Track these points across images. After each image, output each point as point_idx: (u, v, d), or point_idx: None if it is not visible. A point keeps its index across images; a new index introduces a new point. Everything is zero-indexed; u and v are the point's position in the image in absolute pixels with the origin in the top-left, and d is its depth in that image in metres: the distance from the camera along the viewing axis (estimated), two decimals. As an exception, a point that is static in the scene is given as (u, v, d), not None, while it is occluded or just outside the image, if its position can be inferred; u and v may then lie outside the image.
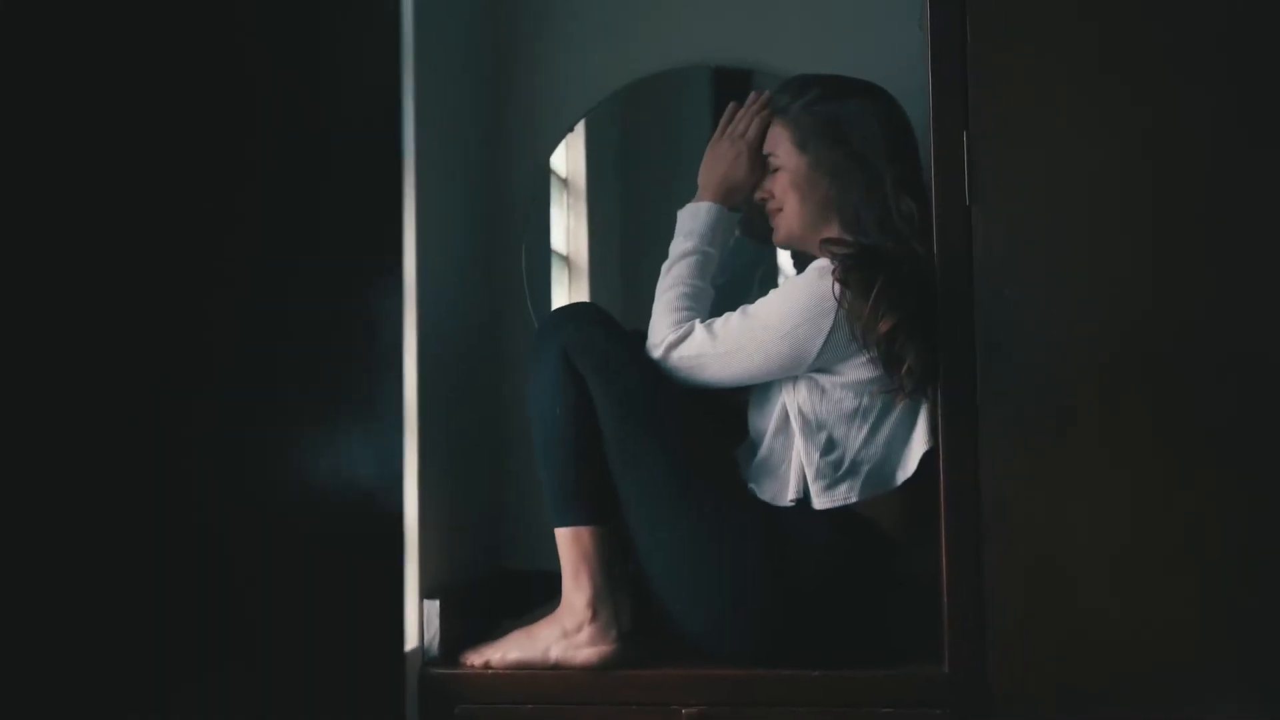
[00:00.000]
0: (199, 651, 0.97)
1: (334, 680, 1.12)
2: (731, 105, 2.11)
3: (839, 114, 1.99)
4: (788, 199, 2.02)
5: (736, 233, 2.21)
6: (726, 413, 2.07)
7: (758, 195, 2.07)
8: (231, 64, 1.04)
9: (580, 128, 2.55)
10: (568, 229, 2.58)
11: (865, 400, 1.91)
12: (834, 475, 1.90)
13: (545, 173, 2.51)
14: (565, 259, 2.57)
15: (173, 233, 0.96)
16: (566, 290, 2.57)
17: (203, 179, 0.99)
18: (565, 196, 2.60)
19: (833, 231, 1.96)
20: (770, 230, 2.08)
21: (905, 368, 1.84)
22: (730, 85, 2.43)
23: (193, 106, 0.98)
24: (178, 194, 0.97)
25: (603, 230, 2.58)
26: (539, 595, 2.14)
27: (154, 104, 0.95)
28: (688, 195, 2.11)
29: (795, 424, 1.92)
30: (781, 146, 2.03)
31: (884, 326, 1.83)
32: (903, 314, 1.82)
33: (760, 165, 2.06)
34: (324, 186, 1.13)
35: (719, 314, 1.98)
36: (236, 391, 1.01)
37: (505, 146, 2.50)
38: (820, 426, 1.91)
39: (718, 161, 2.07)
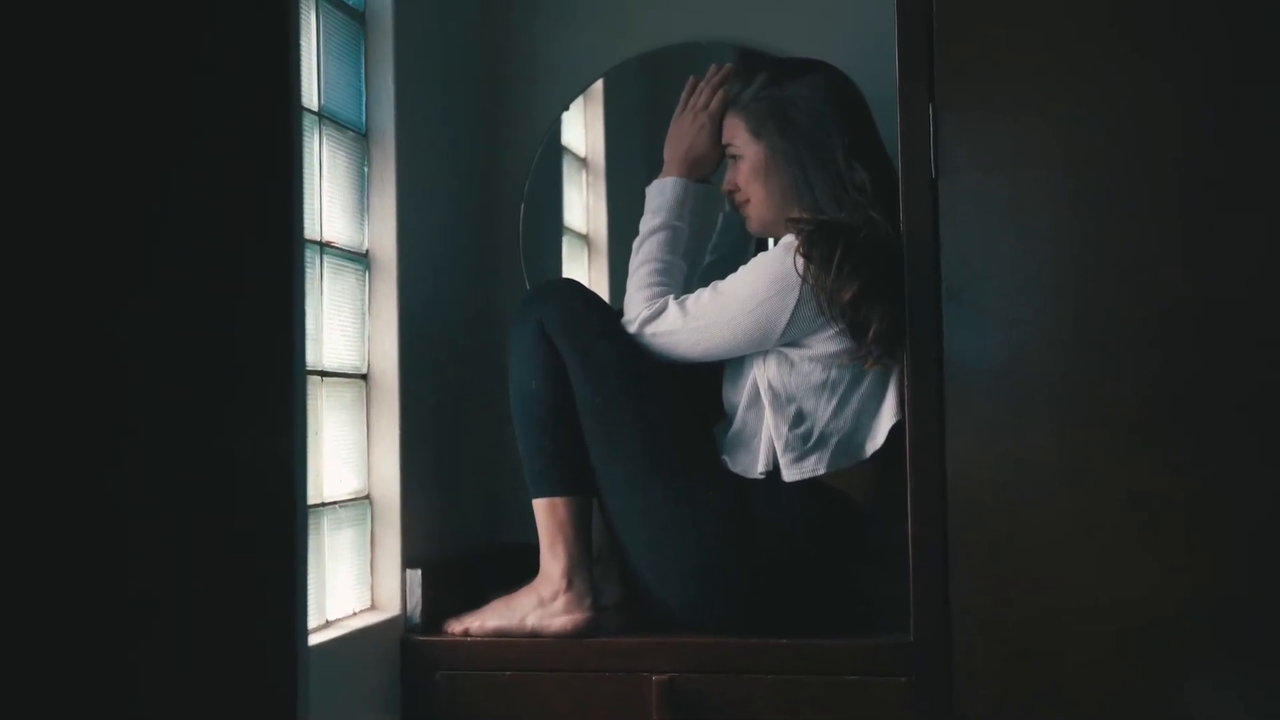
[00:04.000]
0: (84, 632, 1.00)
1: (222, 664, 1.15)
2: (691, 79, 2.13)
3: (786, 97, 2.01)
4: (752, 188, 2.05)
5: (725, 208, 2.24)
6: (707, 388, 2.09)
7: (724, 188, 2.10)
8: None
9: (599, 107, 2.59)
10: (587, 208, 2.62)
11: (834, 373, 1.93)
12: (803, 448, 1.92)
13: (557, 151, 2.55)
14: (585, 238, 2.61)
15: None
16: (586, 269, 2.61)
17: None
18: (584, 175, 2.64)
19: (798, 212, 1.98)
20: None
21: (872, 333, 1.86)
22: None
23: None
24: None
25: (622, 208, 2.61)
26: (532, 568, 2.19)
27: None
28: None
29: (765, 397, 1.94)
30: (739, 136, 2.05)
31: (847, 294, 1.85)
32: (864, 280, 1.84)
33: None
34: (192, 137, 1.13)
35: (698, 288, 2.01)
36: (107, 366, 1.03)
37: (505, 125, 2.54)
38: (789, 400, 1.93)
39: (681, 136, 2.10)
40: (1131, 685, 1.75)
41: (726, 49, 2.46)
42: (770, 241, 2.22)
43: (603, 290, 2.52)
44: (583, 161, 2.63)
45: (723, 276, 2.00)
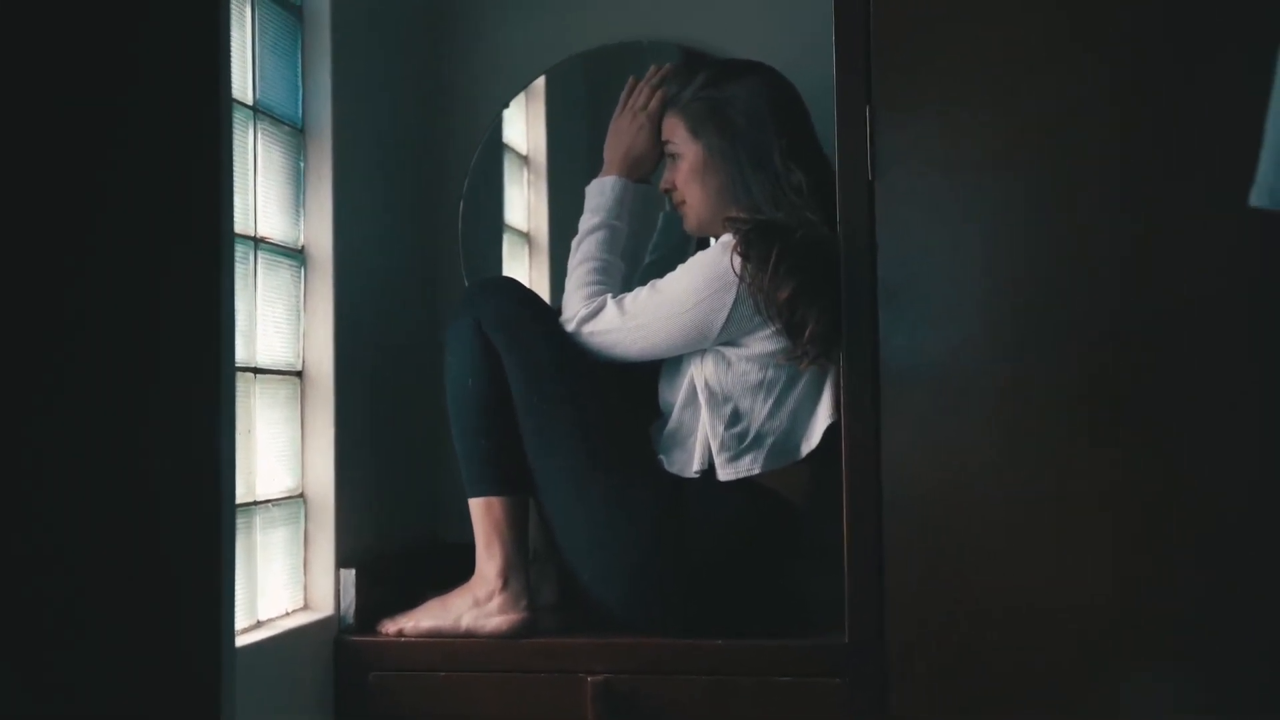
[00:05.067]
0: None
1: (144, 665, 1.13)
2: (631, 79, 2.13)
3: (724, 98, 2.02)
4: (689, 188, 2.05)
5: (665, 208, 2.24)
6: (643, 388, 2.09)
7: (662, 187, 2.11)
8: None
9: (540, 105, 2.57)
10: (528, 206, 2.61)
11: (770, 373, 1.93)
12: (738, 447, 1.93)
13: (498, 148, 2.53)
14: (525, 236, 2.60)
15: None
16: (527, 267, 2.60)
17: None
18: (525, 173, 2.62)
19: (735, 212, 1.98)
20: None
21: (808, 333, 1.86)
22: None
23: None
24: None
25: (564, 206, 2.60)
26: (471, 567, 2.17)
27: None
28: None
29: (701, 396, 1.94)
30: (677, 135, 2.06)
31: (784, 294, 1.86)
32: (800, 280, 1.85)
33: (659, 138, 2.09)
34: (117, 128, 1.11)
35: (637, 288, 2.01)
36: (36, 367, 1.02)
37: (445, 120, 2.52)
38: (726, 399, 1.94)
39: (620, 136, 2.10)
40: (1068, 685, 1.77)
41: (669, 49, 2.46)
42: (710, 242, 2.22)
43: (544, 289, 2.51)
44: (524, 159, 2.62)
45: (662, 276, 2.00)
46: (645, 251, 2.27)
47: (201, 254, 1.21)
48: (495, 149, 2.54)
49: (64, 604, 1.06)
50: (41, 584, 1.05)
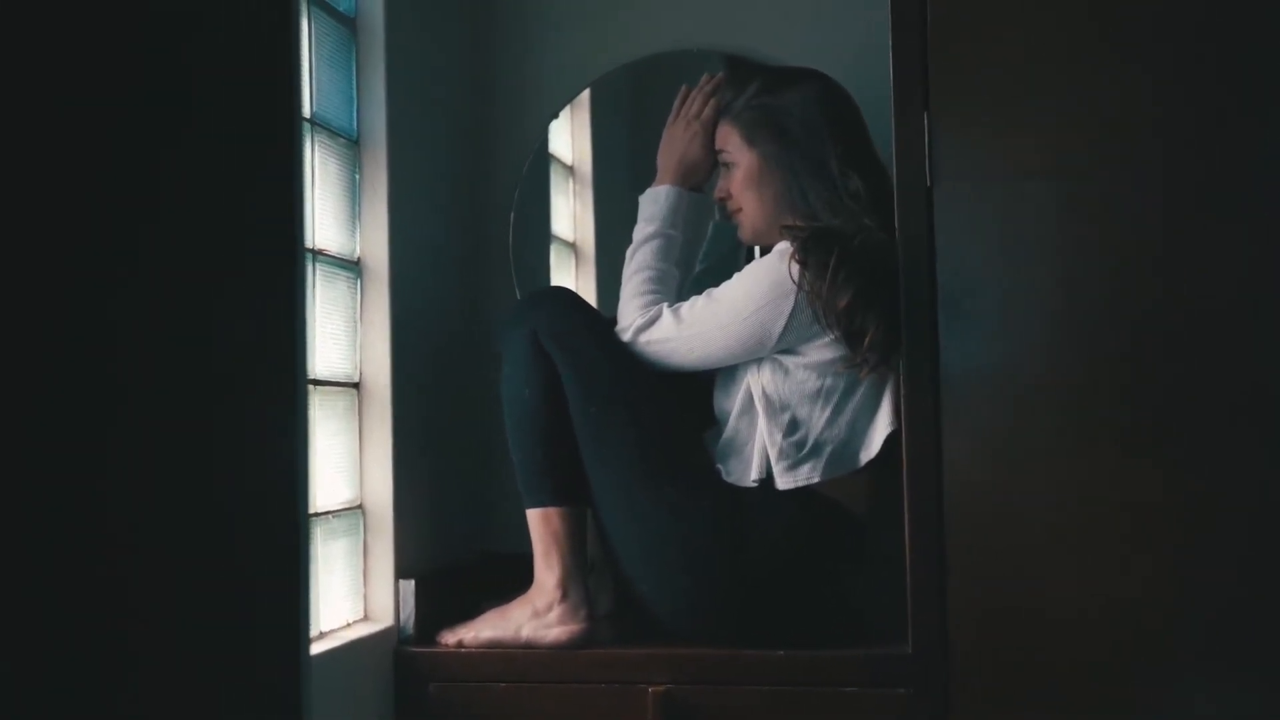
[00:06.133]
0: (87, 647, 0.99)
1: (225, 675, 1.13)
2: (684, 88, 2.13)
3: (780, 105, 2.01)
4: (745, 197, 2.04)
5: (716, 217, 2.23)
6: (699, 396, 2.09)
7: (716, 195, 2.10)
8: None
9: (586, 116, 2.58)
10: (574, 216, 2.61)
11: (829, 381, 1.92)
12: (797, 455, 1.92)
13: (545, 159, 2.54)
14: (572, 246, 2.60)
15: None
16: (573, 277, 2.60)
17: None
18: (571, 184, 2.63)
19: (791, 220, 1.97)
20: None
21: (867, 341, 1.85)
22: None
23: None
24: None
25: (609, 216, 2.61)
26: (526, 578, 2.17)
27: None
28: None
29: (759, 405, 1.93)
30: (731, 144, 2.05)
31: (842, 302, 1.85)
32: (858, 287, 1.84)
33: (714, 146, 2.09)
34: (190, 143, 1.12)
35: (690, 297, 2.00)
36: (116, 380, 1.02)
37: (495, 132, 2.53)
38: (784, 407, 1.93)
39: (674, 144, 2.10)
40: (1131, 694, 1.75)
41: (715, 57, 2.46)
42: (756, 251, 2.22)
43: (590, 299, 2.50)
44: (570, 170, 2.62)
45: (713, 285, 2.00)
46: (697, 260, 2.27)
47: (278, 268, 1.22)
48: (543, 160, 2.55)
49: (147, 616, 1.07)
50: (126, 596, 1.05)
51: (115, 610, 1.04)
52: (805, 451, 1.92)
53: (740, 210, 2.06)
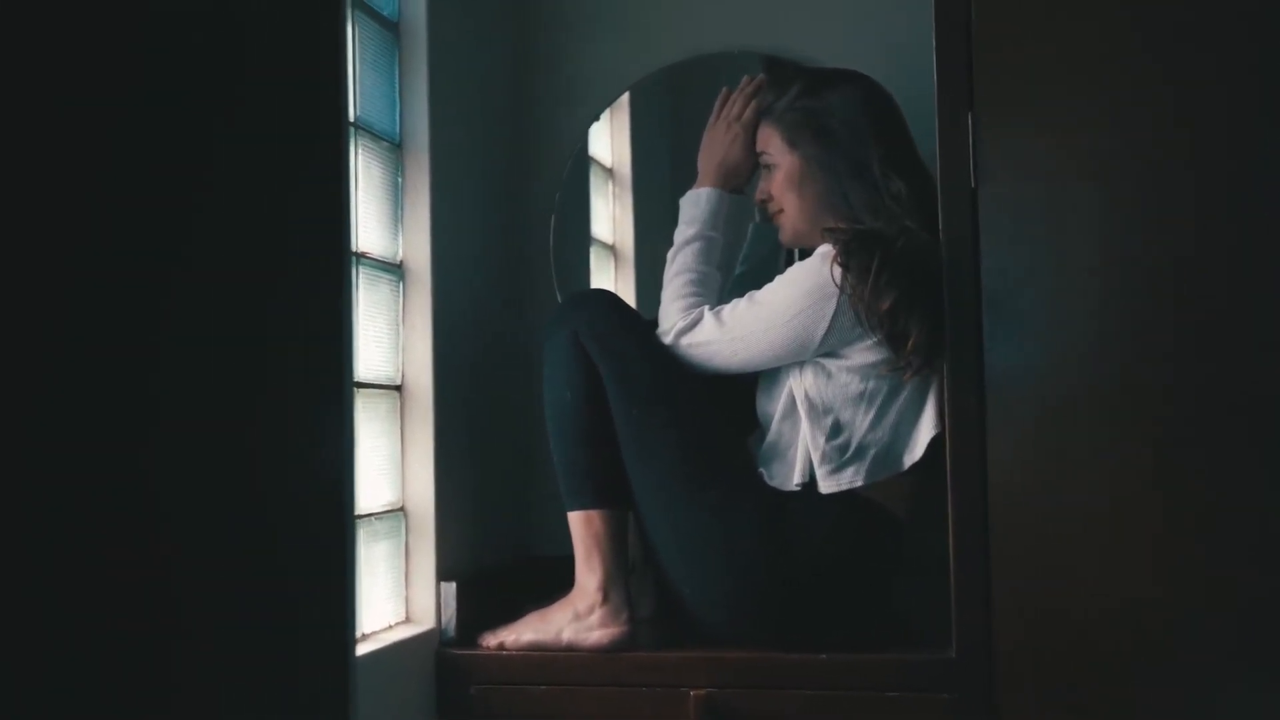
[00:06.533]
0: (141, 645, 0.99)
1: (272, 675, 1.13)
2: (724, 90, 2.12)
3: (821, 107, 2.00)
4: (786, 198, 2.03)
5: (756, 219, 2.23)
6: (741, 400, 2.08)
7: (757, 197, 2.09)
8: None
9: (625, 119, 2.58)
10: (613, 218, 2.62)
11: (872, 384, 1.91)
12: (840, 459, 1.91)
13: (585, 161, 2.54)
14: (611, 249, 2.60)
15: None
16: (613, 279, 2.60)
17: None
18: (611, 186, 2.63)
19: (833, 222, 1.96)
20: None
21: (910, 344, 1.84)
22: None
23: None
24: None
25: (649, 219, 2.61)
26: (566, 580, 2.17)
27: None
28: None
29: (801, 408, 1.93)
30: (772, 145, 2.04)
31: (885, 304, 1.84)
32: (901, 290, 1.83)
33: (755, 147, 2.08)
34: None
35: (731, 299, 1.99)
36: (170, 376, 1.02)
37: (536, 135, 2.53)
38: (826, 410, 1.92)
39: (714, 146, 2.09)
40: (1181, 696, 1.73)
41: (755, 59, 2.45)
42: (797, 253, 2.21)
43: (630, 301, 2.50)
44: (610, 172, 2.63)
45: (753, 288, 1.99)
46: (737, 262, 2.26)
47: (326, 271, 1.22)
48: (583, 163, 2.55)
49: (192, 618, 1.07)
50: (174, 596, 1.06)
51: (162, 613, 1.04)
52: (849, 455, 1.91)
53: (781, 212, 2.06)
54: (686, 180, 2.14)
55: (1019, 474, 1.80)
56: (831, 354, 1.92)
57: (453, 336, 2.11)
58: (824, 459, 1.91)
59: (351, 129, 1.91)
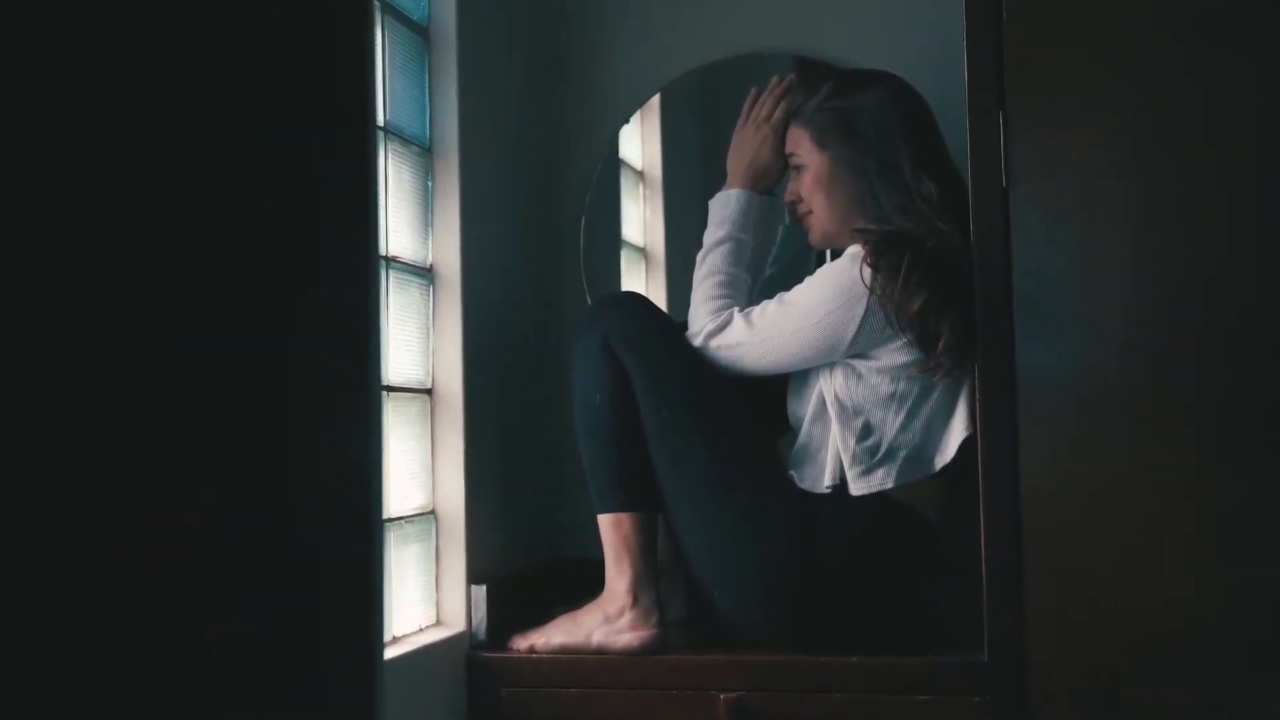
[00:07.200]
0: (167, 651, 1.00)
1: (299, 678, 1.13)
2: (754, 90, 2.12)
3: (851, 108, 2.00)
4: (815, 199, 2.03)
5: (786, 220, 2.22)
6: (771, 401, 2.07)
7: (786, 198, 2.09)
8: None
9: (655, 121, 2.58)
10: (644, 221, 2.62)
11: (902, 385, 1.90)
12: (870, 461, 1.90)
13: (615, 165, 2.54)
14: (642, 251, 2.60)
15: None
16: (643, 282, 2.60)
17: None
18: (641, 189, 2.63)
19: (863, 223, 1.95)
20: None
21: (941, 345, 1.83)
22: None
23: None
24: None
25: (679, 221, 2.61)
26: (595, 583, 2.17)
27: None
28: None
29: (832, 410, 1.92)
30: (802, 146, 2.04)
31: (915, 305, 1.83)
32: (931, 290, 1.82)
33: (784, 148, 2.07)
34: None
35: (761, 300, 1.99)
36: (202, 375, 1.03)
37: (566, 138, 2.54)
38: (857, 412, 1.91)
39: (744, 147, 2.09)
40: (1215, 699, 1.71)
41: (785, 60, 2.44)
42: (827, 254, 2.21)
43: (660, 304, 2.50)
44: (639, 175, 2.63)
45: (783, 289, 1.98)
46: (766, 264, 2.26)
47: (354, 274, 1.22)
48: (613, 165, 2.55)
49: (222, 620, 1.08)
50: (200, 600, 1.06)
51: (191, 614, 1.05)
52: (879, 457, 1.90)
53: (811, 213, 2.05)
54: (717, 182, 2.14)
55: (1051, 475, 1.78)
56: (861, 355, 1.92)
57: (482, 340, 2.12)
58: (854, 461, 1.90)
59: (381, 133, 1.92)
